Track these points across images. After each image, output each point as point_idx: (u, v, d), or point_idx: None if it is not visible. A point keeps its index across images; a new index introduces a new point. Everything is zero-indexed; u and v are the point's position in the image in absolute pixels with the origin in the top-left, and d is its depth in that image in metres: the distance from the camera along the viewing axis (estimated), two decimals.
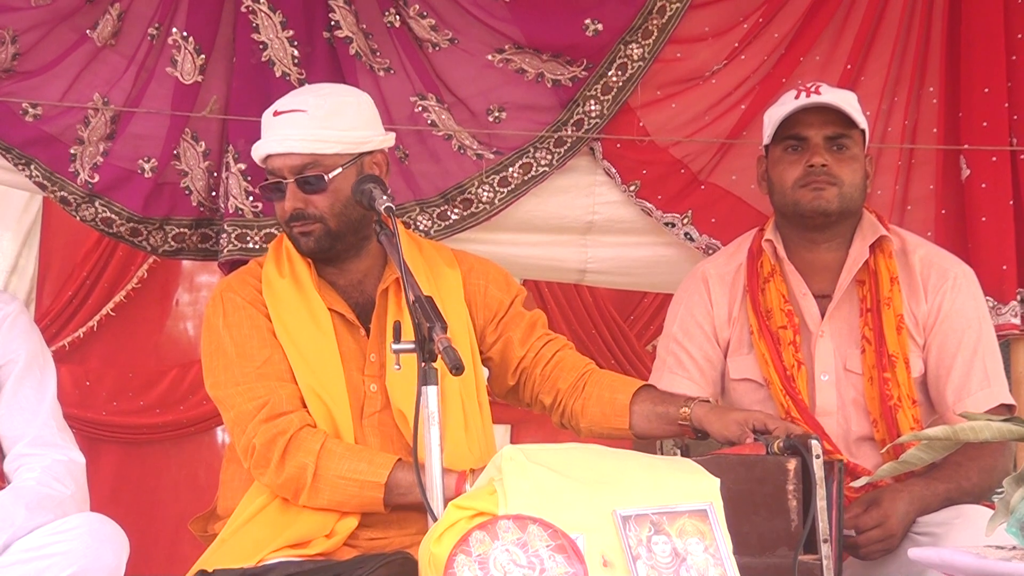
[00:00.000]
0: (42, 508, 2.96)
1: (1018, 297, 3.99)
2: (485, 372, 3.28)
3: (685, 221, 4.04)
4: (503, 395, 3.32)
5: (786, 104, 3.41)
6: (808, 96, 3.37)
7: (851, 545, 2.99)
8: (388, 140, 3.21)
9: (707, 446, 2.86)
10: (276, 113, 3.12)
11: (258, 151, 3.13)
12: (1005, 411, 3.29)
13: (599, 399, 3.15)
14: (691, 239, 4.04)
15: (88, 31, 3.73)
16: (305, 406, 3.02)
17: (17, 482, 3.04)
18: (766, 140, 3.46)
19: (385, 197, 2.90)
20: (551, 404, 3.21)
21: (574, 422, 3.20)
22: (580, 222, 4.07)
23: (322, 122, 3.08)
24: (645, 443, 3.29)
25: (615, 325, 5.66)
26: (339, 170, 3.08)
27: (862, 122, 3.39)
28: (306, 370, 3.03)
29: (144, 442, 5.26)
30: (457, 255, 3.31)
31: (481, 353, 3.24)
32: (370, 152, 3.14)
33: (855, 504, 3.04)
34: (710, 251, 4.02)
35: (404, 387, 2.83)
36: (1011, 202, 3.98)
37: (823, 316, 3.36)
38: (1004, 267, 3.95)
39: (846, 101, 3.39)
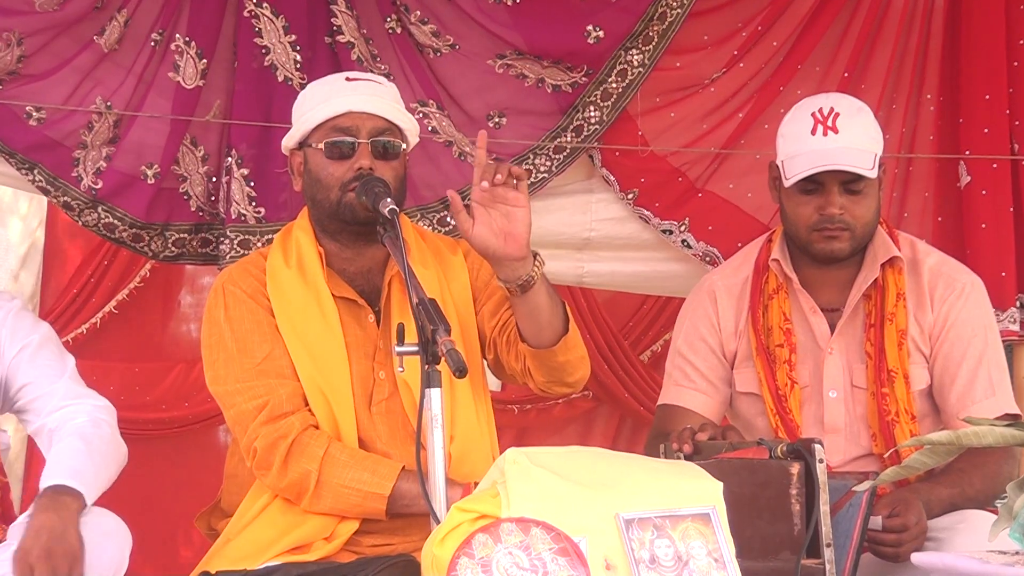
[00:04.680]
0: (105, 457, 3.00)
1: (1017, 303, 4.00)
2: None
3: (683, 229, 4.06)
4: (495, 374, 3.24)
5: (802, 140, 3.28)
6: (825, 134, 3.25)
7: (893, 544, 2.95)
8: (413, 143, 3.22)
9: (711, 450, 2.85)
10: (349, 79, 3.15)
11: (332, 107, 3.07)
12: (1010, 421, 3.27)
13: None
14: (688, 247, 4.05)
15: (95, 37, 3.74)
16: (307, 404, 3.02)
17: (73, 431, 3.03)
18: (783, 172, 3.33)
19: (389, 200, 2.90)
20: (521, 370, 3.08)
21: (535, 378, 3.06)
22: (577, 238, 4.10)
23: (397, 99, 3.15)
24: (649, 448, 3.26)
25: (610, 333, 5.67)
26: (405, 146, 3.11)
27: (874, 171, 3.25)
28: (309, 362, 3.02)
29: (149, 438, 5.27)
30: (460, 242, 3.29)
31: None
32: (406, 150, 3.16)
33: (879, 507, 3.02)
34: (707, 259, 4.04)
35: (412, 368, 2.78)
36: (1011, 209, 4.00)
37: (832, 332, 3.35)
38: (1003, 274, 3.96)
39: (863, 146, 3.26)
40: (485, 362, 3.21)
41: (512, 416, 5.65)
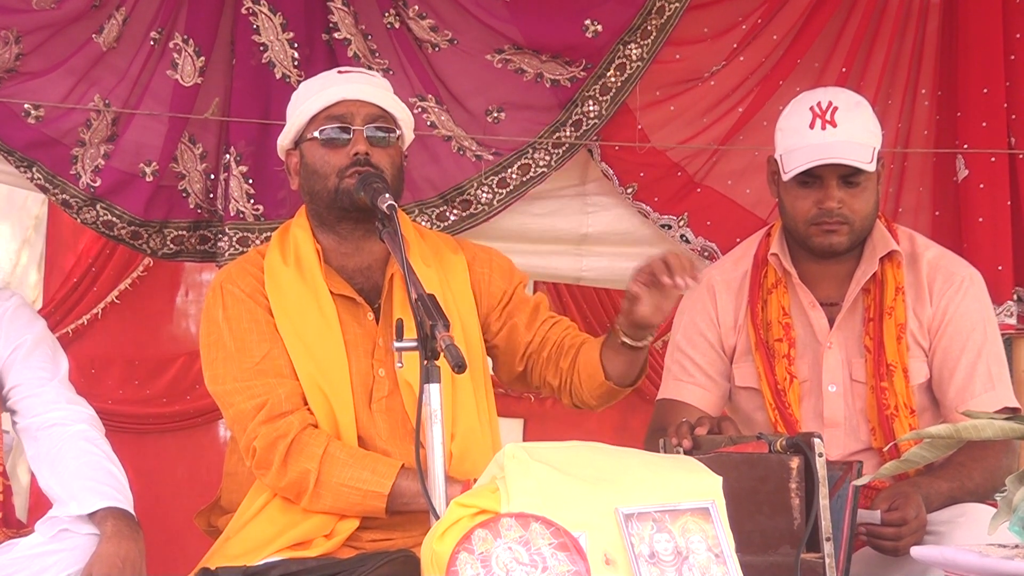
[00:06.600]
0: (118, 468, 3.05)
1: (1014, 297, 4.00)
2: (489, 361, 3.27)
3: (681, 223, 4.06)
4: (510, 382, 3.31)
5: (800, 134, 3.28)
6: (824, 128, 3.25)
7: (892, 537, 2.96)
8: (410, 138, 3.23)
9: (710, 444, 2.85)
10: (341, 71, 3.20)
11: (325, 98, 3.10)
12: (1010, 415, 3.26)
13: (586, 364, 3.14)
14: (687, 241, 4.06)
15: (94, 36, 3.74)
16: (306, 403, 3.02)
17: (82, 437, 3.05)
18: (781, 166, 3.32)
19: (387, 196, 2.91)
20: (558, 385, 3.20)
21: (582, 398, 3.19)
22: (575, 234, 4.11)
23: (390, 89, 3.18)
24: (648, 443, 3.26)
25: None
26: (399, 132, 3.13)
27: (873, 165, 3.25)
28: (308, 360, 3.03)
29: (149, 432, 5.26)
30: (460, 242, 3.32)
31: (485, 341, 3.22)
32: (403, 143, 3.17)
33: (878, 501, 3.03)
34: (705, 253, 4.04)
35: (412, 364, 2.79)
36: (1009, 202, 3.99)
37: (831, 326, 3.35)
38: (1000, 267, 3.96)
39: (861, 139, 3.26)
40: (489, 360, 3.22)
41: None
